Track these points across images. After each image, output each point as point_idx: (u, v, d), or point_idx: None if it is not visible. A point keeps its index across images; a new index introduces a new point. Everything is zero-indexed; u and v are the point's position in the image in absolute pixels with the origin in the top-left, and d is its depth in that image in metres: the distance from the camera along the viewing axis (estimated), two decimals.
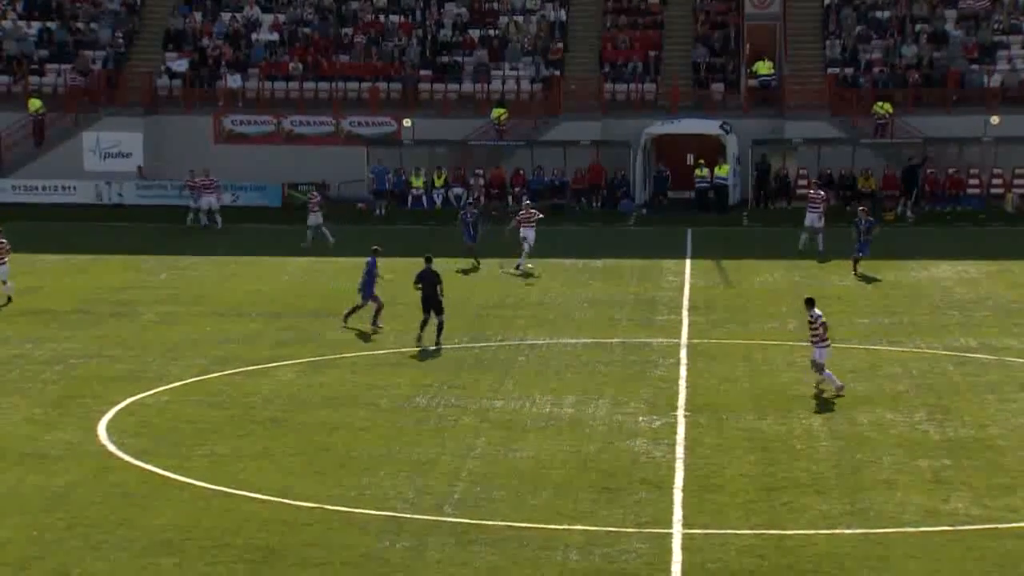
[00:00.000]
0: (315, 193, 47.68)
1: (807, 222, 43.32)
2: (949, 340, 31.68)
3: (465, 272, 40.86)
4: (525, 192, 53.49)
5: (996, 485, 21.80)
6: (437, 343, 31.13)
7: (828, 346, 27.16)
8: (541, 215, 42.58)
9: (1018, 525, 19.98)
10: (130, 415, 26.24)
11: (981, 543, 19.39)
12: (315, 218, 45.37)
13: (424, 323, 31.45)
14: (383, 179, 54.04)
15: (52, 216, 51.99)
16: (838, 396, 26.72)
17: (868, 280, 39.20)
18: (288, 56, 58.49)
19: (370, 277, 32.92)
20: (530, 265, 40.96)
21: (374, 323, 32.80)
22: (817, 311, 27.22)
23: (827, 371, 27.08)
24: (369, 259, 33.13)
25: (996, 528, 19.92)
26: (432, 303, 31.25)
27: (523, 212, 42.06)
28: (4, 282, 36.55)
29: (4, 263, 36.60)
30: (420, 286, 31.42)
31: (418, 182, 54.29)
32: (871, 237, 39.74)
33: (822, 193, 44.44)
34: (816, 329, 27.05)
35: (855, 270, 39.64)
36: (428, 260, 31.80)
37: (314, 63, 58.01)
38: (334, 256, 43.57)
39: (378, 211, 52.57)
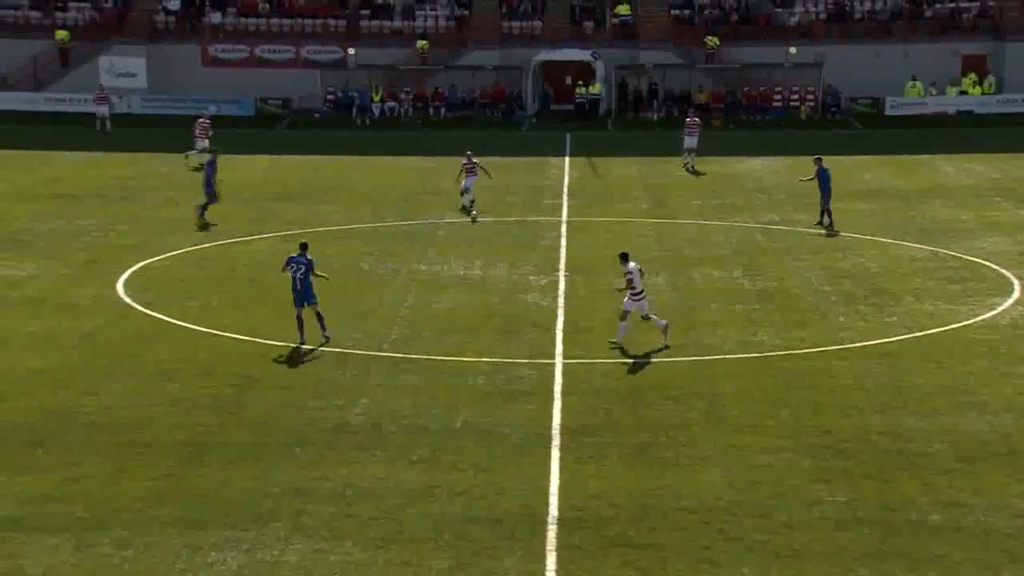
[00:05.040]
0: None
1: (686, 144, 39.57)
2: (758, 216, 31.92)
3: None
4: (443, 105, 52.92)
5: (791, 322, 22.14)
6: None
7: (642, 299, 20.46)
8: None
9: (806, 351, 20.32)
10: (140, 275, 25.71)
11: (779, 364, 19.73)
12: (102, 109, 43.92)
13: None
14: (365, 97, 52.31)
15: (74, 122, 50.27)
16: (664, 346, 20.36)
17: (697, 174, 39.18)
18: None
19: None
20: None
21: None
22: (632, 264, 20.47)
23: (653, 316, 20.71)
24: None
25: (791, 353, 20.26)
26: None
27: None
28: None
29: None
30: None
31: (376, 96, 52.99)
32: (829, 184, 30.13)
33: (697, 120, 40.75)
34: (630, 282, 20.34)
35: (823, 220, 30.01)
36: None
37: (278, 3, 56.53)
38: (292, 155, 42.80)
39: (359, 122, 51.01)
